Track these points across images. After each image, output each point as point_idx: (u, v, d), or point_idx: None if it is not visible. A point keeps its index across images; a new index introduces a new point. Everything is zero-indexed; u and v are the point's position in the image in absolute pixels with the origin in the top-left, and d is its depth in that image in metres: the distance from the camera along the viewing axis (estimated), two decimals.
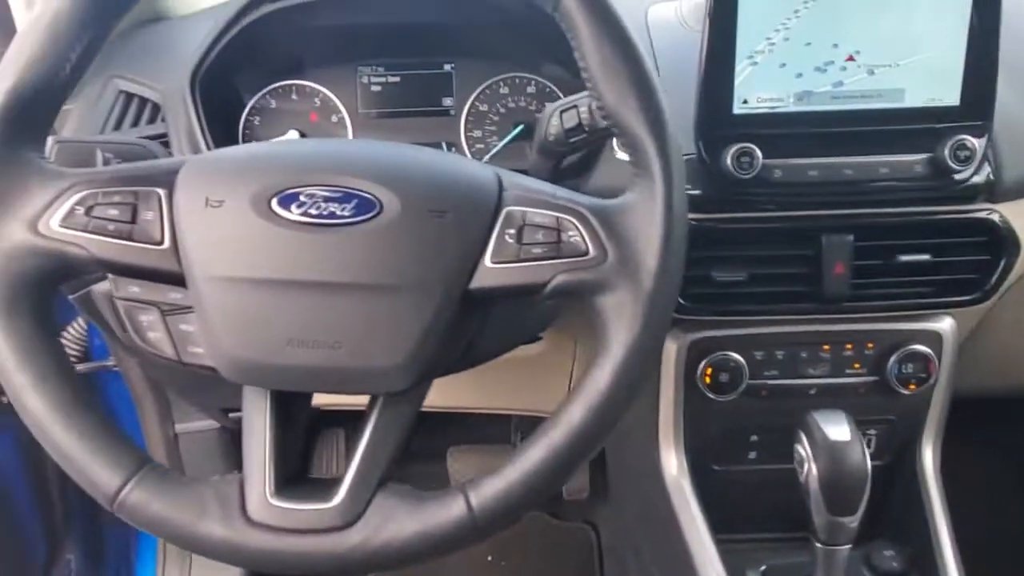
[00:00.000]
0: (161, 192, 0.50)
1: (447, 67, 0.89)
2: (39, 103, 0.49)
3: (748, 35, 0.72)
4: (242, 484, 0.50)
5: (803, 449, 0.74)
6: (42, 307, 0.49)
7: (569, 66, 0.87)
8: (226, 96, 0.87)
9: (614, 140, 0.78)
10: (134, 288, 0.51)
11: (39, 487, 1.20)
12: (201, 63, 0.81)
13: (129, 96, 0.87)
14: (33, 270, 0.49)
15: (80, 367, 1.18)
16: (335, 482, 0.51)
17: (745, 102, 0.73)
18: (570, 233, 0.49)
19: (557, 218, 0.50)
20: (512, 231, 0.50)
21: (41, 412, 0.48)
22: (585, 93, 0.62)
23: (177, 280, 0.50)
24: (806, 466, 0.74)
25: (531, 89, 0.89)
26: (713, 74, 0.72)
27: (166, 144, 0.84)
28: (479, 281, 0.49)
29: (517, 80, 0.89)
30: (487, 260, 0.49)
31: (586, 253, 0.49)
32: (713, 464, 0.90)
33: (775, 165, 0.74)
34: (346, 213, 0.49)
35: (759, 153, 0.73)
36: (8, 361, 0.48)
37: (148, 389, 1.14)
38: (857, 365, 0.83)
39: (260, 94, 0.89)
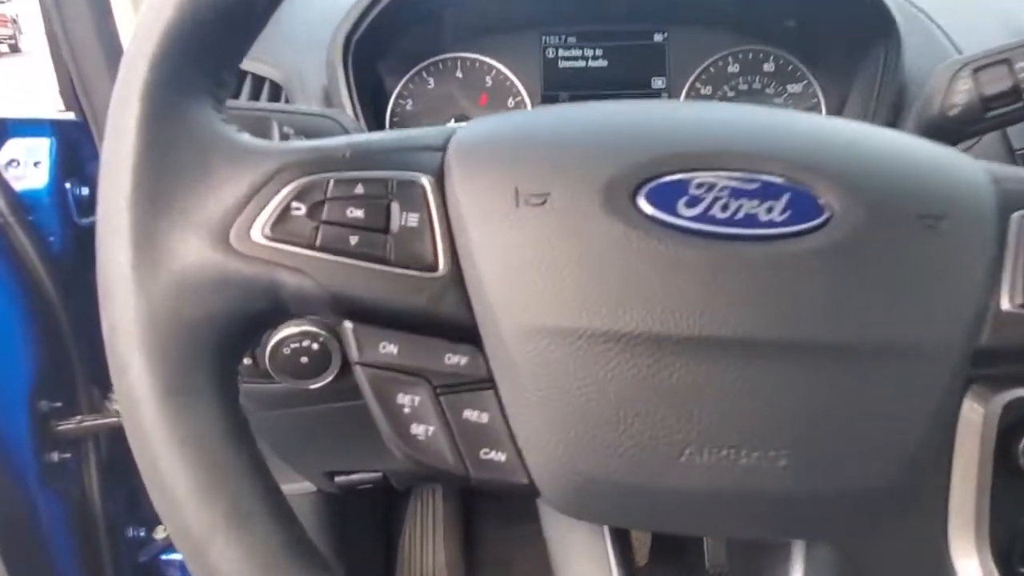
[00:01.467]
0: (425, 181, 0.29)
1: (658, 37, 0.68)
2: (230, 22, 0.28)
3: None
4: None
5: None
6: (231, 383, 0.28)
7: (824, 36, 0.66)
8: (366, 80, 0.66)
9: None
10: (388, 347, 0.29)
11: (86, 544, 0.98)
12: (354, 30, 0.60)
13: (242, 74, 0.67)
14: (221, 315, 0.27)
15: None
16: None
17: None
18: None
19: None
20: None
21: None
22: (1010, 44, 0.40)
23: (461, 332, 0.28)
24: None
25: (768, 67, 0.68)
26: None
27: None
28: (996, 334, 0.28)
29: (751, 54, 0.68)
30: (1006, 301, 0.28)
31: None
32: (1021, 566, 0.67)
33: None
34: (776, 218, 0.27)
35: None
36: (181, 488, 0.26)
37: None
38: None
39: (415, 71, 0.68)
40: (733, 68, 0.68)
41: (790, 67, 0.68)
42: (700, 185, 0.28)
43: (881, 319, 0.27)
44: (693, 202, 0.27)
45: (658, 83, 0.68)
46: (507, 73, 0.68)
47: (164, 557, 1.07)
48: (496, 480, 0.29)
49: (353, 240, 0.28)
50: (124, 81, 0.28)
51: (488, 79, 0.68)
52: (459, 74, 0.68)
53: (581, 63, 0.68)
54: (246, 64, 0.67)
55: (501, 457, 0.29)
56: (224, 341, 0.27)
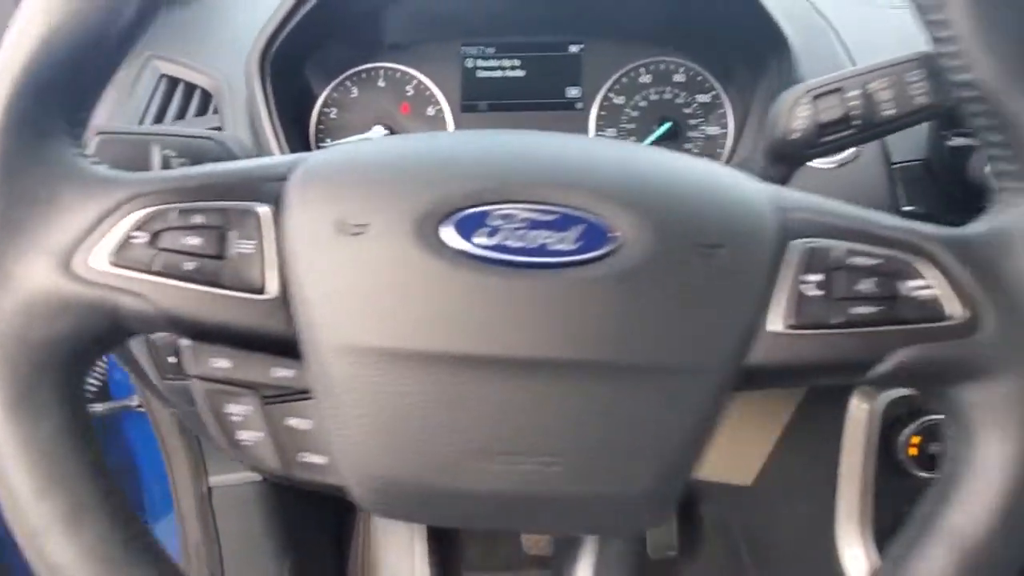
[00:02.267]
0: (261, 211, 0.31)
1: (574, 48, 0.71)
2: (82, 66, 0.31)
3: None
4: None
5: None
6: (76, 395, 0.31)
7: (733, 42, 0.68)
8: (292, 87, 0.69)
9: None
10: (220, 362, 0.33)
11: None
12: (272, 41, 0.63)
13: (173, 81, 0.69)
14: (65, 335, 0.30)
15: (97, 407, 1.00)
16: None
17: None
18: (914, 283, 0.31)
19: (888, 258, 0.31)
20: (816, 278, 0.31)
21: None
22: (845, 72, 0.43)
23: (287, 348, 0.31)
24: None
25: (679, 77, 0.71)
26: None
27: None
28: (764, 354, 0.31)
29: (662, 66, 0.71)
30: (775, 322, 0.31)
31: (944, 316, 0.31)
32: None
33: None
34: (566, 247, 0.30)
35: None
36: (23, 488, 0.29)
37: (179, 436, 0.95)
38: None
39: (338, 80, 0.71)
40: (645, 79, 0.71)
41: (699, 78, 0.71)
42: (501, 216, 0.31)
43: (651, 342, 0.30)
44: (491, 233, 0.30)
45: (573, 92, 0.71)
46: (427, 83, 0.70)
47: None
48: (315, 480, 0.32)
49: (189, 266, 0.31)
50: None
51: (409, 88, 0.71)
52: (381, 83, 0.71)
53: (499, 73, 0.71)
54: (175, 71, 0.69)
55: (321, 460, 0.32)
56: (68, 360, 0.30)
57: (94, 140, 0.41)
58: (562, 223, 0.31)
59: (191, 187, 0.32)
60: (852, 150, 0.60)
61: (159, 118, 0.68)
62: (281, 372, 0.32)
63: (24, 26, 0.30)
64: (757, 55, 0.65)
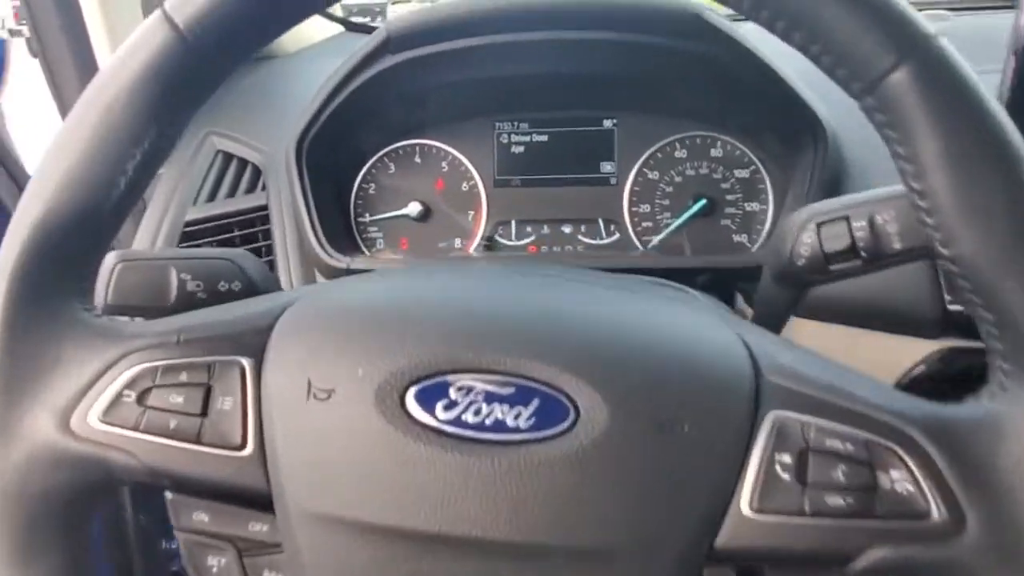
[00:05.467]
0: (246, 363, 0.33)
1: (608, 123, 0.70)
2: (81, 236, 0.34)
3: None
4: None
5: None
6: (75, 542, 0.34)
7: (767, 122, 0.66)
8: (332, 165, 0.71)
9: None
10: (201, 515, 0.35)
11: (122, 558, 1.09)
12: (309, 127, 0.65)
13: (228, 157, 0.73)
14: (61, 488, 0.33)
15: None
16: None
17: None
18: (894, 473, 0.29)
19: (867, 443, 0.30)
20: (787, 459, 0.30)
21: None
22: (859, 197, 0.41)
23: (263, 503, 0.33)
24: None
25: (716, 152, 0.69)
26: None
27: (266, 220, 0.70)
28: (732, 537, 0.30)
29: (698, 140, 0.69)
30: (744, 505, 0.30)
31: (926, 514, 0.29)
32: None
33: None
34: (522, 424, 0.30)
35: None
36: None
37: None
38: None
39: (376, 158, 0.73)
40: (680, 153, 0.69)
41: (737, 152, 0.68)
42: (460, 388, 0.31)
43: (614, 520, 0.30)
44: (450, 406, 0.31)
45: (607, 168, 0.71)
46: (461, 158, 0.72)
47: None
48: None
49: (172, 424, 0.33)
50: None
51: (444, 164, 0.72)
52: (417, 159, 0.72)
53: (533, 148, 0.71)
54: (230, 147, 0.73)
55: None
56: (63, 510, 0.33)
57: (116, 268, 0.44)
58: (518, 397, 0.31)
59: (179, 342, 0.34)
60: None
61: (213, 194, 0.73)
62: (258, 526, 0.34)
63: (28, 201, 0.33)
64: (794, 133, 0.63)
